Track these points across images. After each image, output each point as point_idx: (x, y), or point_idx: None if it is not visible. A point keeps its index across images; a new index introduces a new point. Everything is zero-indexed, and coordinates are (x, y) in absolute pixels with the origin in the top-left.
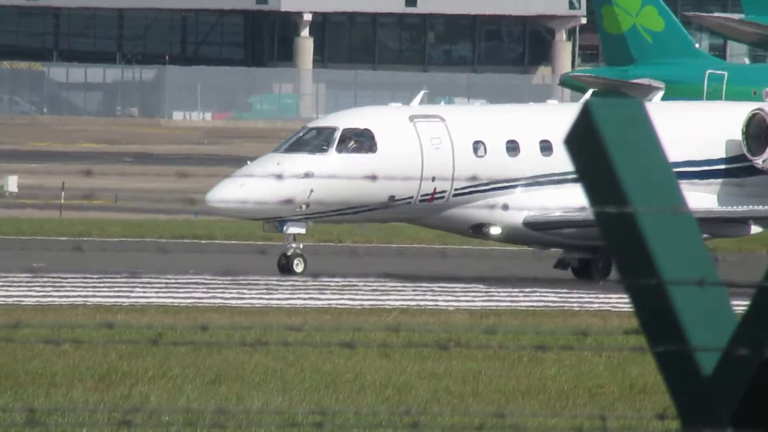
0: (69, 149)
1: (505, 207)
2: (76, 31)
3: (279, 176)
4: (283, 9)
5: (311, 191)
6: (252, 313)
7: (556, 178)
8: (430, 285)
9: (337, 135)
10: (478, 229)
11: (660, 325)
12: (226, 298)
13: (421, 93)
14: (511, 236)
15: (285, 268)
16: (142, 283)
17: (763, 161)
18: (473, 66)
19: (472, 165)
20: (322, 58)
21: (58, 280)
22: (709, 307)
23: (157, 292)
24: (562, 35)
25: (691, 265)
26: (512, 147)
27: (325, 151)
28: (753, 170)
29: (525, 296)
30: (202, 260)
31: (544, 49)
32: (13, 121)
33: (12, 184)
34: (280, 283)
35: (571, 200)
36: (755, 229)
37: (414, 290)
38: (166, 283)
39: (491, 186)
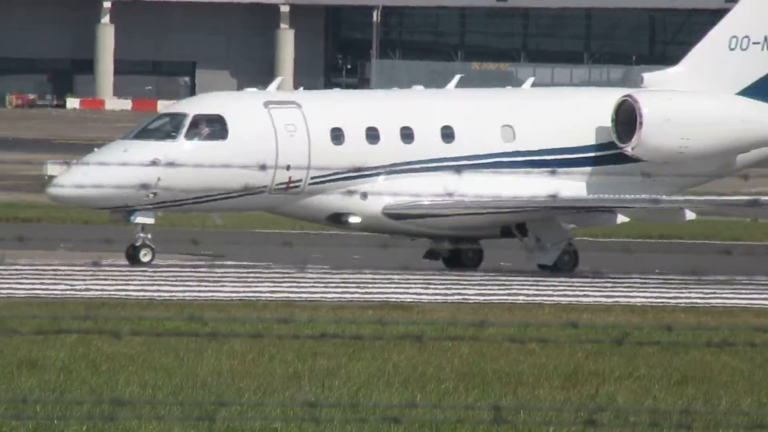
0: None
1: (364, 195)
2: (543, 32)
3: (124, 164)
4: None
5: (158, 179)
6: (719, 314)
7: (417, 165)
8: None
9: (188, 121)
10: (336, 219)
11: None
12: (692, 298)
13: (278, 79)
14: (371, 225)
15: (132, 258)
16: (604, 281)
17: (632, 148)
18: None
19: (329, 152)
20: None
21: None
22: None
23: (621, 290)
24: None
25: None
26: (372, 134)
27: (174, 137)
28: (622, 158)
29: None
30: (665, 260)
31: None
32: None
33: None
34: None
35: (433, 188)
36: (621, 218)
37: None
38: (633, 282)
39: (350, 174)
